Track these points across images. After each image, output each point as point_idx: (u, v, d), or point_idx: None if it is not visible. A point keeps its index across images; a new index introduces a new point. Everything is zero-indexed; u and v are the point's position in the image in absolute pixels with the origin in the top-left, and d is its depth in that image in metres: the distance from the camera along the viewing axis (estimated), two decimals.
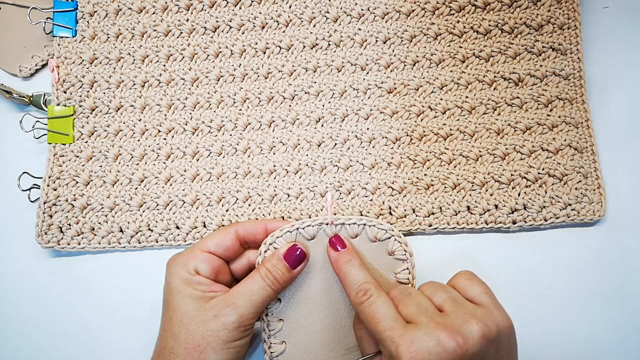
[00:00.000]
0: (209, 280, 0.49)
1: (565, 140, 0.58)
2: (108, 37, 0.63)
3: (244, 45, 0.61)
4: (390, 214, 0.57)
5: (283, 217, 0.58)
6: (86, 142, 0.62)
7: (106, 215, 0.60)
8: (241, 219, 0.59)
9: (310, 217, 0.55)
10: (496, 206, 0.57)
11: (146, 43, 0.62)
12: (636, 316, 0.56)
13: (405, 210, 0.57)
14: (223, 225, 0.58)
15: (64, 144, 0.61)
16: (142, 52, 0.62)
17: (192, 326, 0.47)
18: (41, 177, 0.60)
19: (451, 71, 0.59)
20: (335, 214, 0.52)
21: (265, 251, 0.50)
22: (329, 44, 0.61)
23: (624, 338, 0.55)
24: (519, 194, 0.57)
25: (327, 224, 0.51)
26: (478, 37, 0.60)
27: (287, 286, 0.50)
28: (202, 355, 0.46)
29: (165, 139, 0.61)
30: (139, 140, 0.61)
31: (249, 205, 0.59)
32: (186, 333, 0.47)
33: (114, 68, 0.62)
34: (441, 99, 0.59)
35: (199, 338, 0.46)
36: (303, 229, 0.51)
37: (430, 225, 0.57)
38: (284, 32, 0.61)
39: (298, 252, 0.49)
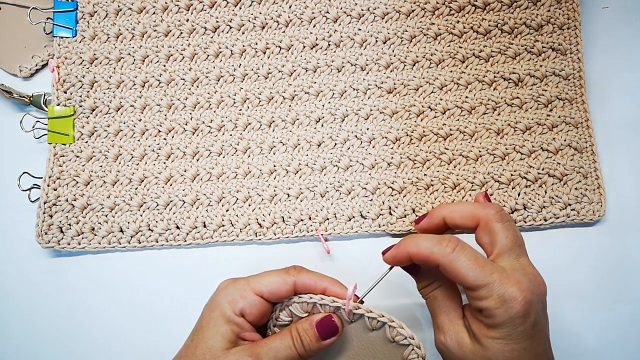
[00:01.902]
0: (249, 325, 0.47)
1: (565, 140, 0.58)
2: (108, 37, 0.63)
3: (244, 46, 0.61)
4: (390, 214, 0.57)
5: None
6: (86, 142, 0.62)
7: (106, 215, 0.60)
8: (241, 219, 0.59)
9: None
10: None
11: (146, 43, 0.62)
12: (636, 316, 0.56)
13: (405, 210, 0.57)
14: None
15: (64, 144, 0.61)
16: (142, 52, 0.62)
17: None
18: (41, 177, 0.60)
19: (451, 71, 0.60)
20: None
21: (279, 310, 0.48)
22: (329, 44, 0.61)
23: (624, 338, 0.55)
24: (518, 194, 0.57)
25: (344, 309, 0.47)
26: (478, 37, 0.60)
27: (314, 356, 0.47)
28: None
29: (165, 139, 0.61)
30: (139, 141, 0.61)
31: (249, 205, 0.59)
32: None
33: (114, 68, 0.62)
34: (441, 99, 0.59)
35: None
36: (321, 305, 0.47)
37: None
38: (284, 32, 0.61)
39: (331, 324, 0.46)
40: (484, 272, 0.42)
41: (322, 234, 0.58)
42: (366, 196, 0.58)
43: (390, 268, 0.47)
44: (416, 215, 0.57)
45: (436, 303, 0.46)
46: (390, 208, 0.57)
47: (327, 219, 0.58)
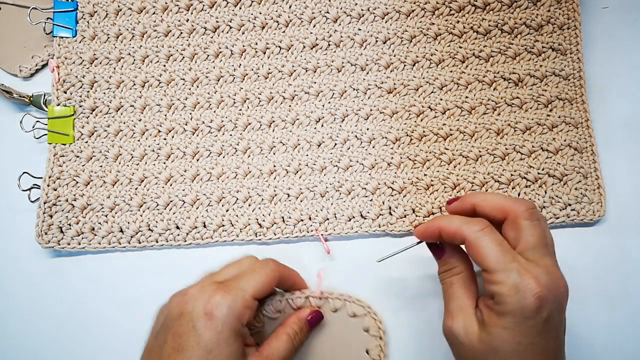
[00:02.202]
0: (248, 331, 0.48)
1: (565, 141, 0.58)
2: (108, 38, 0.63)
3: (244, 46, 0.61)
4: (390, 214, 0.57)
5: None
6: (86, 142, 0.62)
7: (106, 216, 0.60)
8: (241, 219, 0.59)
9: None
10: None
11: (146, 43, 0.62)
12: (636, 316, 0.56)
13: (405, 210, 0.57)
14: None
15: (64, 144, 0.61)
16: (142, 52, 0.62)
17: None
18: (41, 177, 0.60)
19: (451, 71, 0.60)
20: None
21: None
22: (329, 44, 0.61)
23: (624, 338, 0.55)
24: (518, 194, 0.57)
25: (313, 297, 0.54)
26: (478, 37, 0.60)
27: None
28: None
29: (165, 139, 0.61)
30: (139, 141, 0.61)
31: (249, 205, 0.59)
32: None
33: (114, 68, 0.62)
34: (441, 99, 0.59)
35: None
36: (292, 299, 0.53)
37: None
38: (284, 32, 0.61)
39: (319, 317, 0.53)
40: (505, 258, 0.42)
41: (322, 234, 0.58)
42: (366, 196, 0.58)
43: (419, 243, 0.49)
44: (416, 216, 0.57)
45: (452, 289, 0.46)
46: (390, 208, 0.57)
47: (327, 219, 0.58)
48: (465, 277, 0.47)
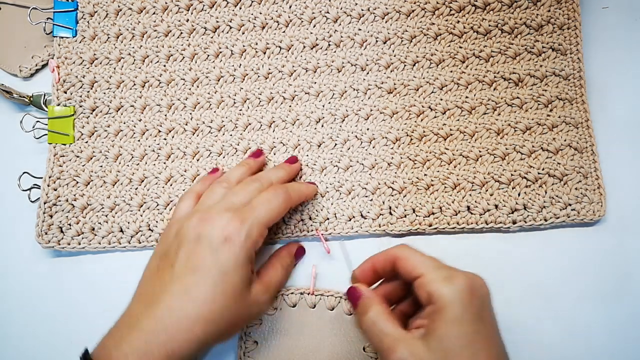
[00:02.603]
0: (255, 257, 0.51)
1: (565, 141, 0.58)
2: (108, 38, 0.63)
3: (244, 46, 0.61)
4: (390, 213, 0.57)
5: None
6: (86, 142, 0.62)
7: (106, 215, 0.60)
8: None
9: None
10: (496, 206, 0.57)
11: (146, 43, 0.62)
12: (636, 316, 0.55)
13: (405, 210, 0.57)
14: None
15: (64, 144, 0.61)
16: (142, 52, 0.62)
17: (239, 310, 0.49)
18: (41, 177, 0.61)
19: (451, 71, 0.60)
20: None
21: None
22: (329, 44, 0.61)
23: (624, 338, 0.55)
24: (519, 194, 0.57)
25: (308, 294, 0.56)
26: (478, 37, 0.60)
27: None
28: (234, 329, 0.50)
29: (165, 139, 0.61)
30: (139, 141, 0.61)
31: None
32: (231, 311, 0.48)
33: (114, 68, 0.62)
34: (441, 99, 0.59)
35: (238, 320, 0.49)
36: (287, 296, 0.56)
37: (430, 225, 0.57)
38: (284, 32, 0.61)
39: (302, 251, 0.58)
40: (433, 262, 0.46)
41: (322, 234, 0.58)
42: (366, 196, 0.58)
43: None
44: (417, 215, 0.57)
45: (377, 326, 0.46)
46: (390, 208, 0.57)
47: (327, 218, 0.58)
48: (385, 311, 0.47)
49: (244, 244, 0.47)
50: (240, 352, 0.55)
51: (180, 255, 0.48)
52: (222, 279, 0.46)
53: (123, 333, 0.45)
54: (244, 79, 0.61)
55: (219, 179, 0.55)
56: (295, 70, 0.61)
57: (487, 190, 0.57)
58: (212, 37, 0.62)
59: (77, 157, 0.61)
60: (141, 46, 0.62)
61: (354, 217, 0.57)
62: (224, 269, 0.47)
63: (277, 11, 0.61)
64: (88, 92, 0.62)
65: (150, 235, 0.59)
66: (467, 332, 0.42)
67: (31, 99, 0.62)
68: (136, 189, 0.60)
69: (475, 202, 0.57)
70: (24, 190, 0.60)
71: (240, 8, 0.62)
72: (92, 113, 0.62)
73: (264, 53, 0.61)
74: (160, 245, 0.51)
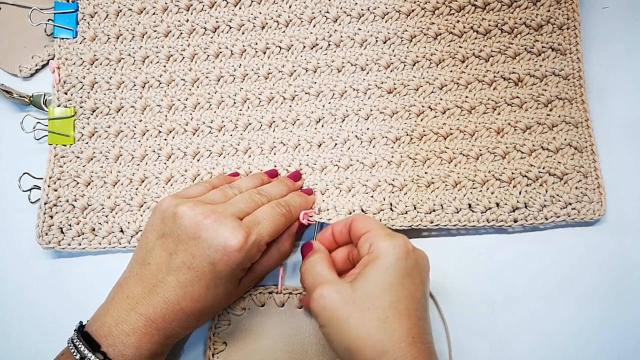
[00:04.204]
0: None
1: (565, 140, 0.58)
2: (108, 38, 0.63)
3: (244, 46, 0.61)
4: (391, 209, 0.57)
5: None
6: (87, 143, 0.62)
7: (107, 216, 0.60)
8: None
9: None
10: (497, 204, 0.57)
11: (146, 44, 0.62)
12: (636, 315, 0.55)
13: (406, 206, 0.57)
14: None
15: (65, 145, 0.61)
16: (142, 53, 0.62)
17: (227, 302, 0.54)
18: (42, 178, 0.61)
19: (451, 71, 0.60)
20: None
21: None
22: (329, 44, 0.61)
23: (624, 337, 0.55)
24: (520, 193, 0.57)
25: (277, 293, 0.57)
26: (478, 37, 0.60)
27: None
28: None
29: (165, 139, 0.61)
30: (139, 141, 0.61)
31: None
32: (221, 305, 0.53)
33: (115, 69, 0.62)
34: (441, 99, 0.59)
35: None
36: (255, 296, 0.57)
37: (431, 222, 0.56)
38: (284, 32, 0.61)
39: (301, 226, 0.57)
40: (382, 224, 0.50)
41: (319, 220, 0.57)
42: (367, 193, 0.58)
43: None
44: (417, 212, 0.57)
45: (315, 268, 0.49)
46: (391, 205, 0.57)
47: (327, 209, 0.58)
48: (325, 259, 0.50)
49: (242, 261, 0.49)
50: (209, 353, 0.56)
51: (179, 250, 0.49)
52: (216, 283, 0.49)
53: (121, 313, 0.48)
54: (244, 79, 0.61)
55: (231, 183, 0.56)
56: (295, 70, 0.61)
57: (488, 189, 0.57)
58: (212, 38, 0.62)
59: (78, 157, 0.61)
60: (141, 47, 0.62)
61: (354, 211, 0.57)
62: (219, 276, 0.48)
63: (277, 11, 0.61)
64: (88, 93, 0.62)
65: None
66: (392, 281, 0.45)
67: (31, 99, 0.62)
68: (136, 189, 0.60)
69: (477, 200, 0.57)
70: (24, 191, 0.60)
71: (240, 8, 0.62)
72: (92, 114, 0.62)
73: (264, 53, 0.61)
74: (158, 220, 0.51)
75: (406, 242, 0.47)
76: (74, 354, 0.47)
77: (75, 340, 0.48)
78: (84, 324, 0.50)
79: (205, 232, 0.48)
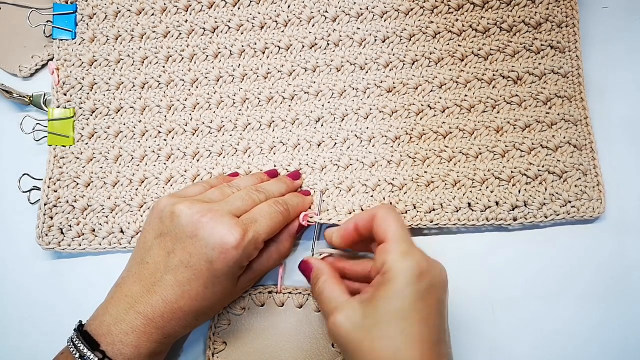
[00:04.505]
0: None
1: (564, 138, 0.58)
2: (107, 40, 0.63)
3: (243, 46, 0.61)
4: None
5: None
6: (86, 143, 0.62)
7: (107, 217, 0.60)
8: None
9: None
10: (497, 203, 0.57)
11: (145, 45, 0.62)
12: (636, 314, 0.55)
13: (406, 206, 0.57)
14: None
15: (65, 146, 0.61)
16: (141, 53, 0.62)
17: (226, 301, 0.54)
18: (42, 179, 0.61)
19: (450, 70, 0.60)
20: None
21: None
22: (328, 44, 0.61)
23: (624, 336, 0.55)
24: (519, 191, 0.57)
25: (277, 293, 0.57)
26: (477, 35, 0.60)
27: None
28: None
29: (165, 140, 0.61)
30: (139, 142, 0.61)
31: None
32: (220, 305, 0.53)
33: (114, 70, 0.62)
34: (440, 98, 0.59)
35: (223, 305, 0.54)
36: (255, 295, 0.57)
37: (431, 222, 0.57)
38: (283, 32, 0.61)
39: (301, 227, 0.56)
40: (404, 233, 0.48)
41: (319, 220, 0.57)
42: (366, 192, 0.58)
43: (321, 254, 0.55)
44: (417, 212, 0.57)
45: (325, 294, 0.49)
46: (391, 204, 0.57)
47: (327, 210, 0.58)
48: (332, 280, 0.49)
49: (239, 259, 0.49)
50: (209, 353, 0.56)
51: (177, 250, 0.49)
52: (214, 281, 0.49)
53: (120, 312, 0.48)
54: (243, 79, 0.61)
55: (230, 182, 0.56)
56: (294, 70, 0.61)
57: (487, 187, 0.57)
58: (211, 38, 0.62)
59: (78, 158, 0.61)
60: (140, 47, 0.62)
61: (354, 210, 0.57)
62: (217, 274, 0.48)
63: (275, 11, 0.61)
64: (88, 94, 0.62)
65: None
66: (404, 308, 0.43)
67: (31, 99, 0.62)
68: (137, 189, 0.60)
69: (477, 199, 0.57)
70: (24, 192, 0.60)
71: (238, 8, 0.62)
72: (92, 115, 0.62)
73: (263, 53, 0.61)
74: (156, 219, 0.51)
75: (420, 263, 0.45)
76: (74, 352, 0.47)
77: (74, 340, 0.48)
78: (83, 323, 0.50)
79: (203, 231, 0.48)
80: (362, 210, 0.57)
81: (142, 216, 0.60)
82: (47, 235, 0.60)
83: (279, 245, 0.55)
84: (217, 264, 0.48)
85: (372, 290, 0.46)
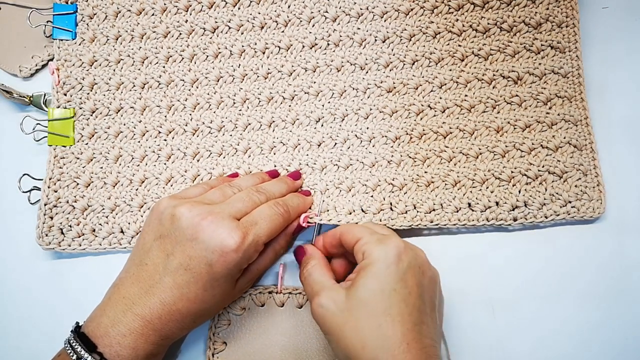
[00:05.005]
0: None
1: (564, 138, 0.58)
2: (107, 40, 0.63)
3: (243, 46, 0.61)
4: (391, 209, 0.57)
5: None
6: (86, 144, 0.62)
7: (107, 217, 0.60)
8: None
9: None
10: (497, 203, 0.57)
11: (145, 45, 0.62)
12: (636, 314, 0.55)
13: (406, 206, 0.57)
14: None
15: (65, 146, 0.61)
16: (141, 53, 0.62)
17: (224, 303, 0.54)
18: (42, 179, 0.61)
19: (450, 70, 0.60)
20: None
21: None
22: (328, 44, 0.61)
23: (624, 336, 0.55)
24: (519, 191, 0.57)
25: (277, 293, 0.57)
26: (477, 35, 0.60)
27: None
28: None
29: (165, 140, 0.61)
30: (139, 142, 0.61)
31: None
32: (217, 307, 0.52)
33: (114, 70, 0.62)
34: (440, 98, 0.59)
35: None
36: (255, 295, 0.57)
37: (431, 222, 0.57)
38: (283, 32, 0.61)
39: (300, 228, 0.56)
40: (371, 229, 0.51)
41: (319, 220, 0.57)
42: (367, 192, 0.58)
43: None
44: (417, 212, 0.57)
45: (312, 277, 0.50)
46: (391, 204, 0.57)
47: (327, 210, 0.58)
48: (321, 264, 0.51)
49: (239, 262, 0.49)
50: (209, 353, 0.56)
51: (176, 252, 0.49)
52: (212, 284, 0.49)
53: (118, 314, 0.48)
54: (243, 79, 0.61)
55: (231, 182, 0.56)
56: (294, 70, 0.61)
57: (487, 187, 0.57)
58: (211, 38, 0.62)
59: (78, 158, 0.61)
60: (140, 47, 0.62)
61: (354, 211, 0.57)
62: (216, 277, 0.48)
63: (275, 11, 0.61)
64: (88, 94, 0.62)
65: None
66: (384, 288, 0.45)
67: (31, 99, 0.62)
68: (137, 190, 0.60)
69: (476, 199, 0.57)
70: (24, 192, 0.60)
71: (239, 8, 0.62)
72: (92, 115, 0.62)
73: (263, 53, 0.61)
74: (156, 220, 0.51)
75: (397, 246, 0.47)
76: (71, 354, 0.47)
77: (71, 341, 0.48)
78: (80, 324, 0.50)
79: (203, 234, 0.48)
80: (362, 210, 0.57)
81: (142, 216, 0.60)
82: (47, 235, 0.60)
83: (274, 245, 0.55)
84: (217, 267, 0.48)
85: (354, 275, 0.47)
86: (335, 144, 0.59)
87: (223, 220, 0.49)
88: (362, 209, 0.57)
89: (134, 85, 0.62)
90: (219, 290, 0.49)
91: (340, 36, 0.60)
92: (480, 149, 0.58)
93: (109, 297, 0.50)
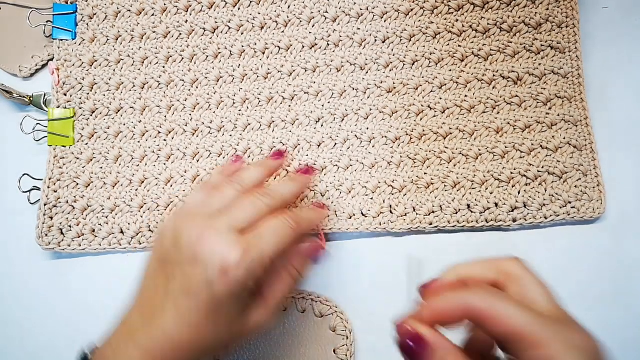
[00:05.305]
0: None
1: (564, 138, 0.58)
2: (107, 40, 0.63)
3: (243, 46, 0.61)
4: (391, 212, 0.57)
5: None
6: (86, 144, 0.62)
7: (107, 217, 0.60)
8: None
9: None
10: (496, 204, 0.57)
11: (145, 45, 0.62)
12: (636, 314, 0.55)
13: (405, 208, 0.57)
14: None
15: (65, 146, 0.62)
16: (141, 53, 0.62)
17: (234, 336, 0.47)
18: (42, 179, 0.61)
19: (450, 70, 0.60)
20: None
21: None
22: (328, 44, 0.61)
23: (624, 336, 0.55)
24: (519, 192, 0.57)
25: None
26: (477, 35, 0.60)
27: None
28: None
29: (165, 140, 0.61)
30: (139, 142, 0.61)
31: None
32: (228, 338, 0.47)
33: (114, 70, 0.62)
34: (440, 98, 0.59)
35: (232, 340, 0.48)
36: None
37: (430, 224, 0.57)
38: (283, 32, 0.61)
39: (319, 248, 0.54)
40: (535, 314, 0.33)
41: (322, 229, 0.57)
42: (366, 195, 0.58)
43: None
44: (417, 214, 0.57)
45: None
46: (391, 207, 0.57)
47: (327, 216, 0.58)
48: (461, 355, 0.35)
49: (242, 280, 0.44)
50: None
51: (176, 274, 0.45)
52: (215, 309, 0.44)
53: (120, 343, 0.44)
54: (243, 80, 0.61)
55: (233, 178, 0.51)
56: (294, 70, 0.61)
57: (487, 189, 0.57)
58: (211, 38, 0.62)
59: (77, 158, 0.61)
60: (140, 48, 0.62)
61: (354, 215, 0.57)
62: (218, 300, 0.44)
63: (275, 11, 0.61)
64: (88, 94, 0.62)
65: (150, 237, 0.59)
66: None
67: (31, 99, 0.62)
68: (136, 190, 0.60)
69: (476, 200, 0.57)
70: (24, 192, 0.60)
71: (238, 9, 0.62)
72: (92, 115, 0.62)
73: (263, 53, 0.61)
74: (159, 243, 0.48)
75: (589, 338, 0.33)
76: None
77: None
78: (87, 353, 0.47)
79: (201, 252, 0.44)
80: (363, 214, 0.57)
81: (142, 217, 0.60)
82: (47, 235, 0.60)
83: (290, 269, 0.50)
84: (218, 287, 0.43)
85: None
86: (335, 144, 0.59)
87: (221, 234, 0.44)
88: (362, 213, 0.57)
89: (134, 86, 0.62)
90: (225, 319, 0.45)
91: (340, 36, 0.60)
92: (480, 149, 0.58)
93: (116, 324, 0.47)
